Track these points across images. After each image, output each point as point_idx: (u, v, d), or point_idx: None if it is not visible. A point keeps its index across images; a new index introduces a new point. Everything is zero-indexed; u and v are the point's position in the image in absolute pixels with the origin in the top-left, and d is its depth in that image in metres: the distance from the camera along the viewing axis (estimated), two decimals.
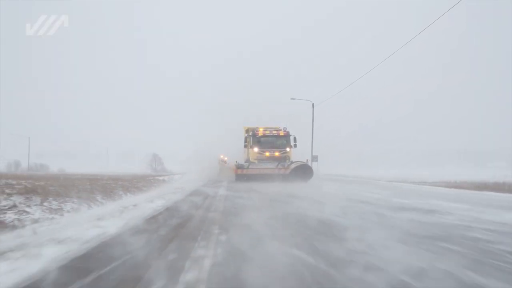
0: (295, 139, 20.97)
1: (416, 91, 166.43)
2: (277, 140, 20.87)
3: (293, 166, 18.15)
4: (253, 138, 20.97)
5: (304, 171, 17.84)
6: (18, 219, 5.18)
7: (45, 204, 6.39)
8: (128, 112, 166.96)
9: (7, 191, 7.62)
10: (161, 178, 21.13)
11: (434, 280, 2.76)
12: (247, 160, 20.73)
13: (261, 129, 21.45)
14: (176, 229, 4.91)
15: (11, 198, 6.59)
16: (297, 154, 20.74)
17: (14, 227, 4.77)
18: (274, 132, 21.10)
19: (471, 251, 3.73)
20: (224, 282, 2.73)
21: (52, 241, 3.96)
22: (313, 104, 34.78)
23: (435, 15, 15.76)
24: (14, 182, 10.73)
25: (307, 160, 20.17)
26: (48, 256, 3.33)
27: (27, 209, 5.79)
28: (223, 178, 19.80)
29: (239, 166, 18.45)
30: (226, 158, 23.80)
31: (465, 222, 5.67)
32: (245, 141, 22.03)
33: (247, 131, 23.09)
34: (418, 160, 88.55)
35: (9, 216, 5.21)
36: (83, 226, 4.86)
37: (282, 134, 20.87)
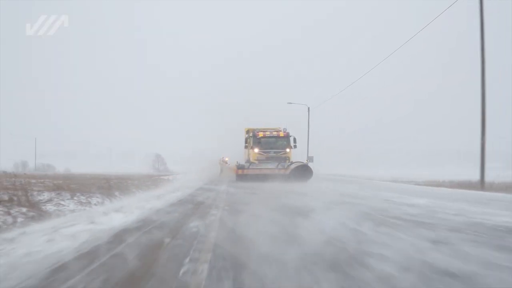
0: (295, 140, 21.57)
1: (416, 91, 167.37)
2: (277, 141, 21.46)
3: (293, 166, 18.69)
4: (254, 139, 21.56)
5: (303, 171, 18.35)
6: (58, 210, 6.23)
7: (75, 198, 7.50)
8: (128, 112, 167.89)
9: (36, 188, 8.64)
10: (165, 177, 22.17)
11: (335, 213, 6.22)
12: (248, 161, 21.34)
13: (261, 130, 22.05)
14: (197, 205, 7.77)
15: (43, 194, 7.62)
16: (297, 155, 21.51)
17: (58, 215, 5.82)
18: (274, 133, 21.72)
19: (363, 211, 6.47)
20: (226, 221, 5.50)
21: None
22: (308, 108, 36.08)
23: (435, 15, 16.28)
24: (34, 181, 11.77)
25: (307, 160, 21.07)
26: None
27: (62, 202, 6.86)
28: (224, 178, 20.60)
29: (239, 167, 18.99)
30: (227, 159, 24.72)
31: (379, 201, 8.56)
32: (246, 142, 22.67)
33: (247, 132, 23.71)
34: (419, 160, 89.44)
35: (50, 207, 6.27)
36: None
37: (282, 135, 21.47)
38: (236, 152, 24.26)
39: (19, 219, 4.99)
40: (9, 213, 5.09)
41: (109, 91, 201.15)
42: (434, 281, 2.58)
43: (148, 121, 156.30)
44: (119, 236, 4.19)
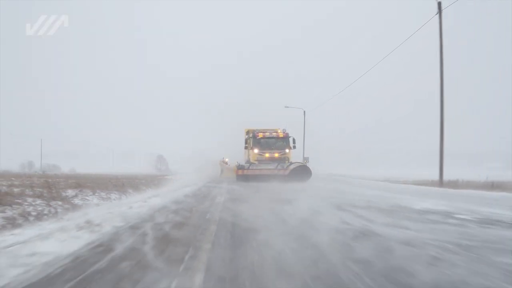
0: (294, 140, 21.81)
1: (415, 91, 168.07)
2: (276, 142, 21.74)
3: (292, 167, 19.00)
4: (254, 139, 21.81)
5: (302, 172, 18.65)
6: (85, 203, 7.28)
7: (96, 194, 8.64)
8: (127, 112, 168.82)
9: (59, 186, 9.67)
10: (169, 177, 23.14)
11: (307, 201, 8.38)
12: (248, 161, 21.52)
13: (261, 131, 22.26)
14: (205, 196, 10.07)
15: (67, 191, 8.64)
16: (299, 156, 21.87)
17: (85, 207, 6.87)
18: (274, 134, 21.91)
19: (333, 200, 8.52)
20: (227, 205, 7.40)
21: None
22: (304, 112, 37.29)
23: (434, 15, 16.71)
24: (50, 181, 12.79)
25: (306, 161, 21.07)
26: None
27: (86, 198, 7.94)
28: (224, 179, 21.29)
29: (240, 167, 19.28)
30: (227, 159, 25.06)
31: (353, 195, 10.43)
32: (246, 143, 22.96)
33: (247, 132, 24.05)
34: (418, 160, 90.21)
35: (78, 202, 7.32)
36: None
37: (282, 136, 21.70)
38: (237, 152, 24.54)
39: (59, 210, 6.02)
40: (49, 205, 6.11)
41: (109, 91, 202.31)
42: (346, 230, 4.49)
43: (148, 121, 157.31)
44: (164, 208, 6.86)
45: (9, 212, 5.13)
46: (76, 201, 7.30)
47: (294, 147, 22.02)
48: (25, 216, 5.17)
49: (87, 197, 7.92)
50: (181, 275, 2.65)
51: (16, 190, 7.77)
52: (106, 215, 5.55)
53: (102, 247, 3.56)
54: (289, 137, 21.81)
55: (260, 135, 21.86)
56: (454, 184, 15.45)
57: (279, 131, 22.20)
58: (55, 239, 3.78)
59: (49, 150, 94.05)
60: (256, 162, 20.72)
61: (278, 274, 2.69)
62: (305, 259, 3.08)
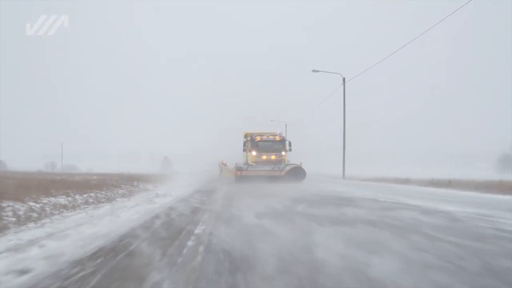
0: (290, 143, 23.71)
1: (419, 88, 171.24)
2: (273, 145, 23.36)
3: (287, 168, 20.83)
4: (252, 142, 23.36)
5: (297, 173, 20.46)
6: (145, 189, 12.71)
7: (143, 185, 14.06)
8: (127, 112, 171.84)
9: (124, 179, 15.49)
10: (178, 176, 27.06)
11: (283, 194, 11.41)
12: (246, 163, 22.95)
13: (259, 135, 23.96)
14: (212, 191, 13.32)
15: (133, 182, 14.23)
16: (299, 156, 24.21)
17: (146, 190, 12.08)
18: (271, 137, 23.65)
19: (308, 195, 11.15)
20: (228, 196, 10.94)
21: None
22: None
23: (433, 15, 19.18)
24: (95, 177, 17.78)
25: (301, 162, 22.06)
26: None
27: (146, 185, 13.75)
28: (223, 179, 23.14)
29: (238, 168, 20.85)
30: (226, 161, 26.57)
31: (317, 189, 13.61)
32: (244, 145, 24.57)
33: (245, 136, 25.56)
34: (415, 160, 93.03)
35: (142, 187, 12.96)
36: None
37: (278, 139, 23.51)
38: (236, 153, 26.14)
39: (136, 190, 11.60)
40: (132, 187, 11.62)
41: (108, 91, 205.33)
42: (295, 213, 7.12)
43: (148, 122, 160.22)
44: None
45: (122, 191, 10.63)
46: (141, 186, 13.19)
47: (290, 149, 23.81)
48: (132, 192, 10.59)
49: (141, 185, 13.77)
50: (214, 206, 7.72)
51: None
52: (166, 190, 11.12)
53: (173, 203, 8.67)
54: (285, 140, 23.85)
55: (258, 138, 23.59)
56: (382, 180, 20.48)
57: (276, 134, 24.42)
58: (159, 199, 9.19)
59: (50, 150, 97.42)
60: (254, 164, 22.38)
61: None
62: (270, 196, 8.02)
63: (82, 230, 4.81)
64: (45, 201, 6.88)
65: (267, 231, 4.67)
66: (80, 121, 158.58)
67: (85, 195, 8.56)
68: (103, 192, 9.71)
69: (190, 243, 4.08)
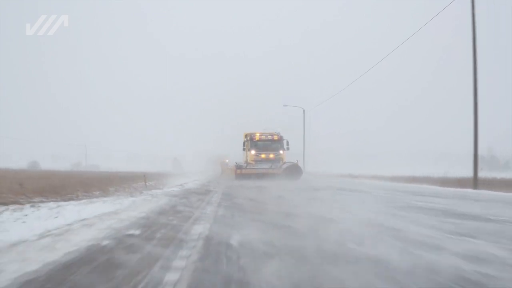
0: (287, 142, 24.68)
1: (415, 88, 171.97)
2: (271, 144, 24.49)
3: (284, 166, 21.95)
4: (251, 142, 24.55)
5: (294, 171, 21.49)
6: (169, 182, 17.94)
7: (165, 180, 18.72)
8: (128, 113, 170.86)
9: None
10: (188, 174, 31.04)
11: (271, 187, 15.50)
12: (246, 162, 24.13)
13: (258, 134, 25.00)
14: (219, 182, 19.37)
15: (154, 178, 18.72)
16: (299, 155, 24.75)
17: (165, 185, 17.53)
18: (269, 137, 24.73)
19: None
20: (228, 190, 14.10)
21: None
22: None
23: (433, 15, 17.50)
24: (130, 175, 22.31)
25: (298, 161, 23.02)
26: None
27: (168, 179, 18.42)
28: (224, 177, 24.70)
29: (238, 167, 21.96)
30: (227, 161, 28.27)
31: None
32: (244, 145, 25.76)
33: (245, 136, 26.44)
34: (410, 159, 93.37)
35: (164, 183, 17.53)
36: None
37: (276, 139, 24.51)
38: (238, 153, 27.16)
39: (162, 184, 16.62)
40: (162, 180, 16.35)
41: (108, 91, 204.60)
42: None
43: (149, 122, 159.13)
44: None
45: (163, 181, 16.38)
46: (164, 181, 17.86)
47: (288, 148, 24.80)
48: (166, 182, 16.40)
49: (164, 180, 18.71)
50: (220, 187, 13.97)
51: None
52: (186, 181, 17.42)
53: (192, 187, 14.75)
54: (283, 139, 24.77)
55: (257, 138, 24.67)
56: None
57: (274, 134, 25.32)
58: (174, 188, 14.20)
59: (50, 150, 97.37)
60: (253, 163, 23.47)
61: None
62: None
63: (179, 186, 14.83)
64: (139, 184, 14.25)
65: (245, 187, 11.40)
66: (80, 121, 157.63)
67: (149, 183, 14.46)
68: (152, 182, 15.61)
69: (215, 194, 10.83)
